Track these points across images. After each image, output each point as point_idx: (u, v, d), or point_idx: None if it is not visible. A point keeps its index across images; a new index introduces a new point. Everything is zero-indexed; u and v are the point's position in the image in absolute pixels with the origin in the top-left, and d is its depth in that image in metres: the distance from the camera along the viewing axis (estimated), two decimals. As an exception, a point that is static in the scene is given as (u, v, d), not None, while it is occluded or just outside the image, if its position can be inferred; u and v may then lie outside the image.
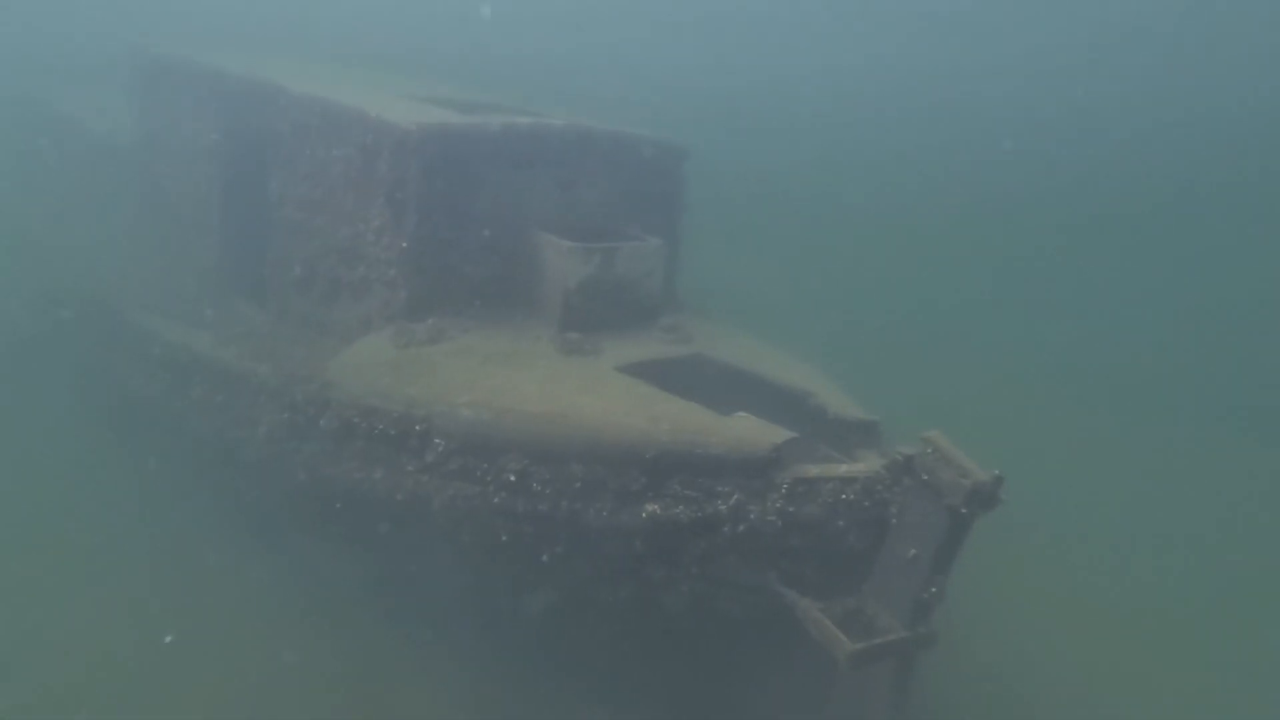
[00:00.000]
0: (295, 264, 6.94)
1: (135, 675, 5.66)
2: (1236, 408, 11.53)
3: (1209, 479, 10.12)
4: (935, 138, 17.02)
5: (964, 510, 3.67)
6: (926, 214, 15.81)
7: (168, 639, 5.76)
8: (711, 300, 7.75)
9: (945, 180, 16.50)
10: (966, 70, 17.52)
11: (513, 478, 4.83)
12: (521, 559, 5.05)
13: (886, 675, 4.07)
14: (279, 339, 6.85)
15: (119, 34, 8.87)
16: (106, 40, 9.29)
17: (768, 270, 13.87)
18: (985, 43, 17.86)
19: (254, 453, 6.22)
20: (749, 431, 4.59)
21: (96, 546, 6.96)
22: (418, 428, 5.16)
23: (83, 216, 9.79)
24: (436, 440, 5.09)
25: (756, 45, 19.04)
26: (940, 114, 17.32)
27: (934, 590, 3.83)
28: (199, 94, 7.74)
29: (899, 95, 17.68)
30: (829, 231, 15.22)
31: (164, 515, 7.42)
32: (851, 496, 4.23)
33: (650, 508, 4.54)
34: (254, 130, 7.24)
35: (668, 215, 7.45)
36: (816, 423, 5.37)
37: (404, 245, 6.11)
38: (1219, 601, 7.86)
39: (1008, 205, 16.03)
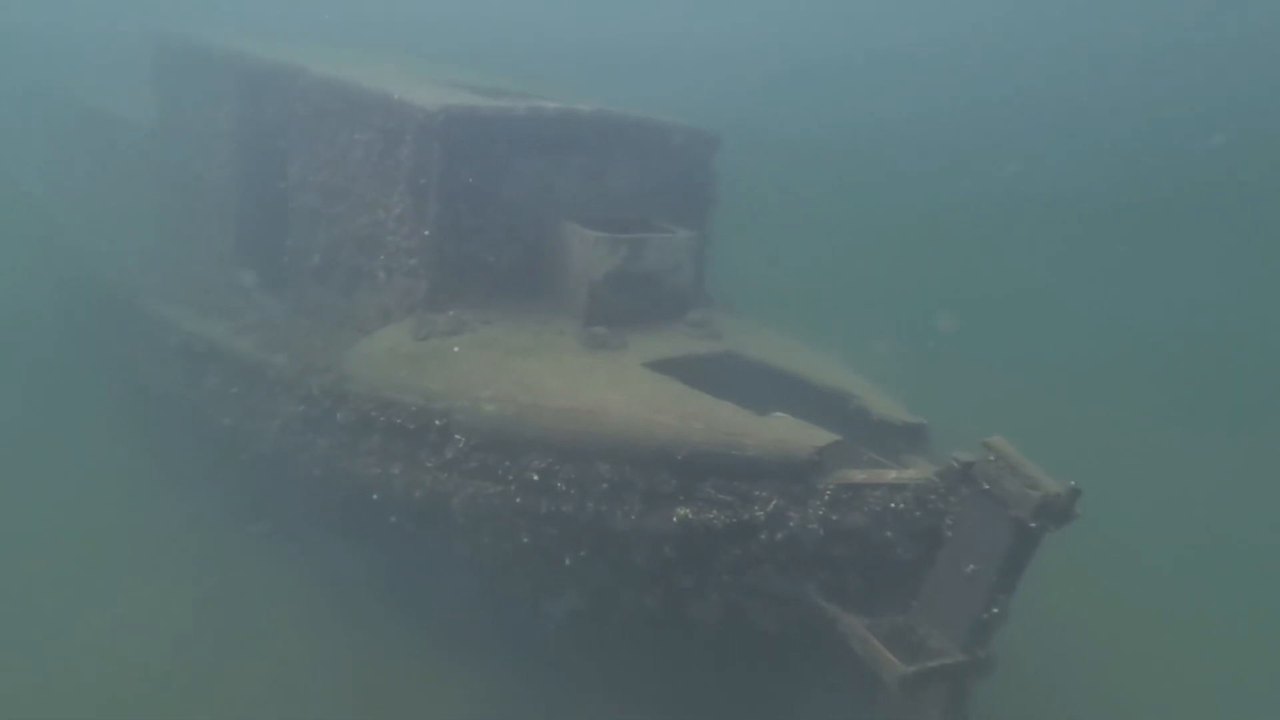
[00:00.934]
0: (314, 252, 6.74)
1: (140, 673, 5.50)
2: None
3: (1269, 485, 9.67)
4: (987, 129, 16.44)
5: (1033, 524, 3.36)
6: (974, 207, 15.29)
7: None
8: (741, 296, 7.48)
9: (999, 173, 15.95)
10: (1030, 52, 16.82)
11: (536, 477, 4.60)
12: (543, 562, 4.83)
13: (937, 701, 3.77)
14: (295, 329, 6.66)
15: (145, 22, 8.76)
16: (133, 29, 9.18)
17: (802, 265, 13.52)
18: (1052, 27, 17.17)
19: (269, 446, 6.05)
20: (789, 433, 4.31)
21: (103, 541, 6.83)
22: (437, 423, 4.96)
23: (108, 206, 9.70)
24: (457, 436, 4.88)
25: (795, 26, 18.53)
26: (993, 104, 16.72)
27: (995, 611, 3.52)
28: (217, 77, 7.57)
29: (950, 81, 17.05)
30: (865, 226, 14.81)
31: (177, 509, 7.29)
32: (901, 505, 3.94)
33: (681, 511, 4.29)
34: (273, 114, 7.06)
35: (698, 206, 7.18)
36: (859, 426, 5.08)
37: (426, 233, 5.89)
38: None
39: (1065, 200, 15.44)
